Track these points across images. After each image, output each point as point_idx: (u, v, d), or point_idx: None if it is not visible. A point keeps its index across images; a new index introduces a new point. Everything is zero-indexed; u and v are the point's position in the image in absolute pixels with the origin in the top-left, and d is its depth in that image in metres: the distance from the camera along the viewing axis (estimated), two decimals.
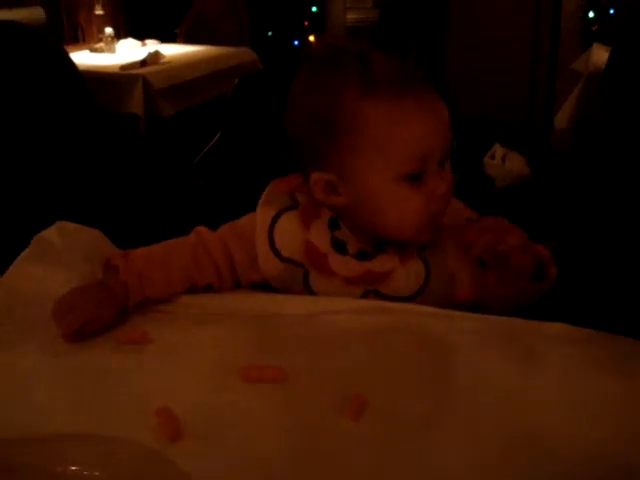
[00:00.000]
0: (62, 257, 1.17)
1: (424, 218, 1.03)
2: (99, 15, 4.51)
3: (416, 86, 1.01)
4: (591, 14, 4.77)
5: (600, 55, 3.42)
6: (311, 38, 5.43)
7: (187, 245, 1.13)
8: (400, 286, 1.09)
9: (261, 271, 1.11)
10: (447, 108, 1.03)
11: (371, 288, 1.09)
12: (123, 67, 3.58)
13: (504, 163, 3.99)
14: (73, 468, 0.70)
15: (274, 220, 1.10)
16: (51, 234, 1.20)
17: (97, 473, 0.70)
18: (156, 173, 3.53)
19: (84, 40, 4.60)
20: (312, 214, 1.09)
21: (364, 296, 1.09)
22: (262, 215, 1.11)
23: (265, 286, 1.14)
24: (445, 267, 1.10)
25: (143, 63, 3.65)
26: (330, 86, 1.02)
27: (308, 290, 1.10)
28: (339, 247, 1.08)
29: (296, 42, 5.42)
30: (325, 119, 1.02)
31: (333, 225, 1.09)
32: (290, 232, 1.09)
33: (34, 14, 4.05)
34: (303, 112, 1.05)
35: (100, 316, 1.01)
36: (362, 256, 1.08)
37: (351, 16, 5.74)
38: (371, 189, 1.03)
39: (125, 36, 4.45)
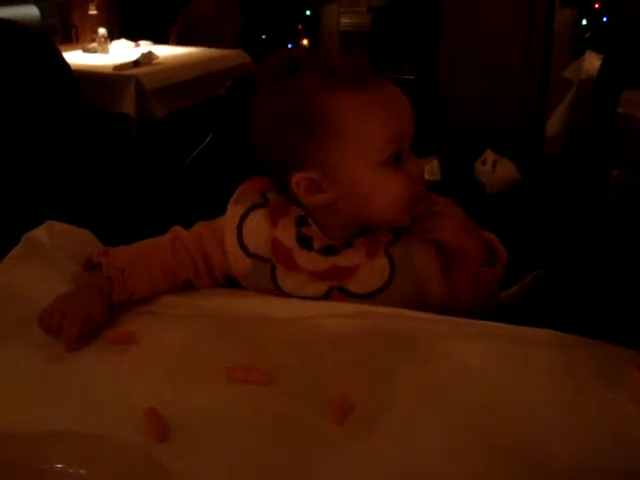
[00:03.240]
0: (51, 256, 1.17)
1: (407, 199, 1.06)
2: (93, 15, 4.51)
3: (376, 78, 1.06)
4: (584, 21, 4.78)
5: (592, 62, 3.44)
6: (304, 42, 5.44)
7: (165, 241, 1.16)
8: (364, 281, 1.11)
9: (231, 268, 1.14)
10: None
11: (336, 284, 1.11)
12: (116, 67, 3.58)
13: (495, 169, 4.00)
14: (59, 466, 0.71)
15: (243, 217, 1.13)
16: (40, 233, 1.20)
17: (83, 471, 0.70)
18: (146, 174, 3.53)
19: (77, 40, 4.60)
20: (280, 212, 1.12)
21: (329, 293, 1.11)
22: (232, 212, 1.14)
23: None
24: (412, 264, 1.11)
25: (136, 64, 3.65)
26: (296, 87, 1.05)
27: (276, 287, 1.12)
28: (304, 242, 1.10)
29: (290, 45, 5.43)
30: (300, 119, 1.04)
31: (301, 222, 1.11)
32: (257, 229, 1.12)
33: (28, 13, 4.04)
34: (274, 118, 1.07)
35: (93, 314, 1.01)
36: (328, 251, 1.10)
37: (345, 20, 5.75)
38: (355, 178, 1.06)
39: (118, 37, 4.45)
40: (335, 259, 1.10)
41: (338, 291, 1.11)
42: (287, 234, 1.11)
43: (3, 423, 0.81)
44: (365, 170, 1.05)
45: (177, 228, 1.18)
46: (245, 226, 1.12)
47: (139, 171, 3.53)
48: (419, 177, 1.07)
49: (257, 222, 1.12)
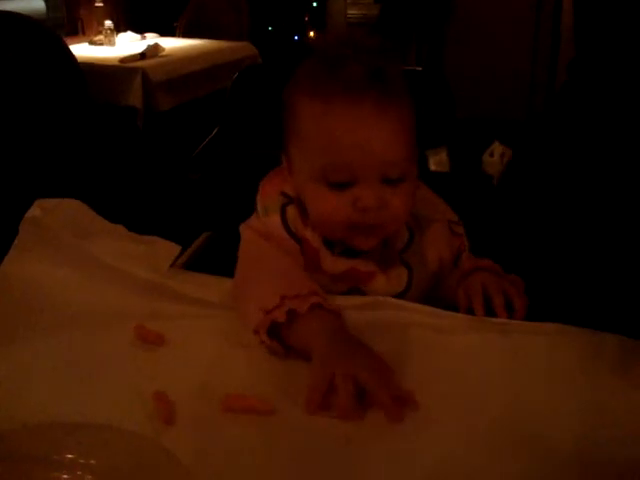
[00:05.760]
0: (51, 235, 1.15)
1: (341, 224, 1.02)
2: (99, 8, 4.50)
3: (366, 100, 0.98)
4: None
5: None
6: (311, 34, 5.43)
7: (263, 247, 1.09)
8: (381, 288, 1.10)
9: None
10: (403, 130, 1.01)
11: (356, 286, 1.10)
12: (122, 60, 3.59)
13: (503, 161, 3.99)
14: (70, 456, 0.71)
15: (284, 219, 1.09)
16: (34, 213, 1.17)
17: (93, 461, 0.71)
18: (153, 166, 3.53)
19: (84, 33, 4.61)
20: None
21: (349, 292, 1.10)
22: (272, 223, 1.09)
23: None
24: (425, 266, 1.12)
25: (142, 56, 3.66)
26: (299, 72, 1.06)
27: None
28: (329, 244, 1.09)
29: (296, 37, 5.43)
30: (284, 101, 1.06)
31: None
32: (295, 225, 1.09)
33: (34, 6, 4.05)
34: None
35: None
36: (349, 253, 1.08)
37: (352, 12, 5.73)
38: (299, 179, 1.06)
39: (125, 29, 4.45)
40: (354, 262, 1.09)
41: (359, 292, 1.10)
42: (315, 235, 1.09)
43: (15, 414, 0.81)
44: (307, 178, 1.03)
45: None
46: (289, 222, 1.08)
47: (146, 163, 3.53)
48: (364, 210, 1.00)
49: (293, 218, 1.09)
